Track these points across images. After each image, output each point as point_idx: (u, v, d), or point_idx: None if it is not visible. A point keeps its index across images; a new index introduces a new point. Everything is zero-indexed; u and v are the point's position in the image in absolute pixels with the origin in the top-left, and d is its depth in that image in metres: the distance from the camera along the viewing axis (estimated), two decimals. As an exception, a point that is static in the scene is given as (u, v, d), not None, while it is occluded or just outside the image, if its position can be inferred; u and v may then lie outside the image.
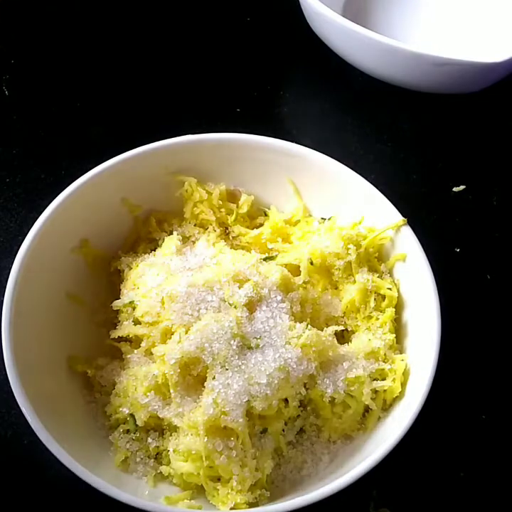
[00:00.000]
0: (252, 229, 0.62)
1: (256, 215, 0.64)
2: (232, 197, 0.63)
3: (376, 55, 0.73)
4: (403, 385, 0.53)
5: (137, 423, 0.52)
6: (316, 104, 0.80)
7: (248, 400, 0.49)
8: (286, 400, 0.52)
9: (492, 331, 0.65)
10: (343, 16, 0.72)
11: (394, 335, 0.56)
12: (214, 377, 0.50)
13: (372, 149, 0.76)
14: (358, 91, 0.80)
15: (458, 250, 0.69)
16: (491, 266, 0.68)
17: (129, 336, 0.56)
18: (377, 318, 0.57)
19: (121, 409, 0.53)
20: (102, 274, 0.61)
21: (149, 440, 0.53)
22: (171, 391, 0.51)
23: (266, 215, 0.63)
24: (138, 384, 0.52)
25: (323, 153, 0.60)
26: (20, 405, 0.48)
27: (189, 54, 0.82)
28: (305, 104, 0.80)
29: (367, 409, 0.54)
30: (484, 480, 0.58)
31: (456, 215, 0.72)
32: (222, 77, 0.81)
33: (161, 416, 0.52)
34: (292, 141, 0.60)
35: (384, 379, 0.54)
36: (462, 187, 0.73)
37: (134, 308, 0.56)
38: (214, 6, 0.87)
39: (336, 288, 0.59)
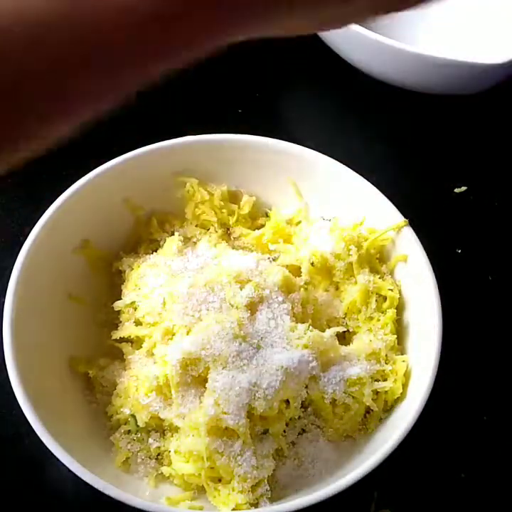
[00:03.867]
0: (254, 230, 0.62)
1: (257, 216, 0.64)
2: (233, 198, 0.63)
3: (377, 56, 0.73)
4: (404, 386, 0.53)
5: (138, 424, 0.52)
6: (317, 105, 0.80)
7: (249, 401, 0.49)
8: (287, 401, 0.52)
9: (494, 332, 0.65)
10: (345, 17, 0.72)
11: (395, 336, 0.56)
12: (215, 378, 0.50)
13: (374, 150, 0.76)
14: (359, 92, 0.80)
15: (459, 251, 0.69)
16: (493, 267, 0.68)
17: (130, 336, 0.56)
18: (379, 319, 0.57)
19: (122, 409, 0.53)
20: (104, 275, 0.61)
21: (150, 441, 0.53)
22: (173, 392, 0.51)
23: (267, 216, 0.63)
24: (139, 384, 0.52)
25: (325, 154, 0.60)
26: (21, 405, 0.48)
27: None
28: (306, 105, 0.80)
29: (368, 411, 0.54)
30: (485, 481, 0.58)
31: (458, 216, 0.72)
32: (224, 78, 0.81)
33: (162, 417, 0.52)
34: (294, 142, 0.60)
35: (385, 380, 0.54)
36: (464, 188, 0.73)
37: (135, 309, 0.56)
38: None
39: (337, 289, 0.59)
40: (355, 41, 0.73)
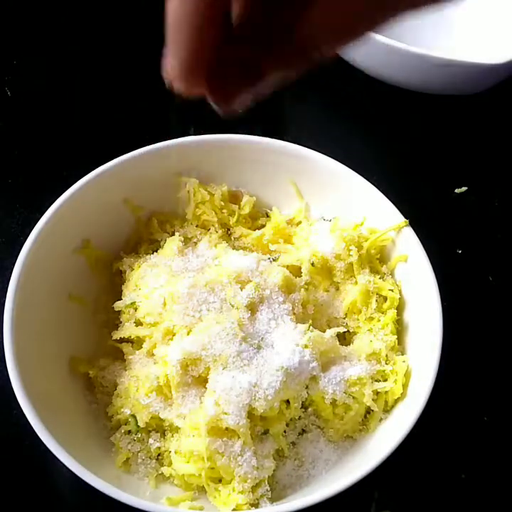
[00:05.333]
0: (254, 230, 0.62)
1: (258, 216, 0.64)
2: (234, 198, 0.63)
3: (378, 56, 0.73)
4: (405, 386, 0.53)
5: (139, 424, 0.52)
6: (317, 105, 0.80)
7: (250, 402, 0.49)
8: (287, 402, 0.52)
9: (494, 332, 0.64)
10: (345, 17, 0.72)
11: (395, 336, 0.56)
12: (216, 379, 0.50)
13: (374, 151, 0.76)
14: (360, 92, 0.80)
15: (460, 252, 0.69)
16: (493, 267, 0.68)
17: (130, 337, 0.56)
18: (379, 320, 0.57)
19: (122, 410, 0.53)
20: (104, 275, 0.61)
21: (151, 441, 0.53)
22: (173, 392, 0.51)
23: (268, 216, 0.63)
24: (139, 385, 0.52)
25: (325, 154, 0.60)
26: (21, 406, 0.48)
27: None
28: (306, 105, 0.80)
29: (368, 411, 0.54)
30: (486, 482, 0.57)
31: (458, 216, 0.72)
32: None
33: (162, 417, 0.52)
34: (294, 143, 0.60)
35: (385, 380, 0.54)
36: (464, 188, 0.73)
37: (135, 309, 0.56)
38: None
39: (338, 289, 0.59)
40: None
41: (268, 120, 0.77)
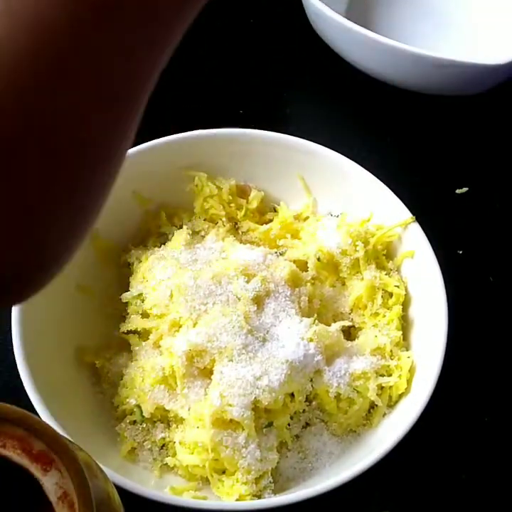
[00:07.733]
0: (262, 224, 0.63)
1: (265, 210, 0.64)
2: (242, 192, 0.63)
3: (378, 56, 0.72)
4: (409, 382, 0.54)
5: (144, 414, 0.53)
6: (318, 105, 0.80)
7: (254, 394, 0.50)
8: (292, 395, 0.52)
9: (495, 333, 0.64)
10: (347, 17, 0.72)
11: (400, 332, 0.56)
12: (221, 371, 0.50)
13: (374, 151, 0.75)
14: (361, 93, 0.80)
15: (461, 252, 0.69)
16: (494, 268, 0.68)
17: (137, 329, 0.56)
18: (384, 316, 0.57)
19: (128, 400, 0.54)
20: (112, 267, 0.61)
21: (156, 431, 0.53)
22: (178, 383, 0.51)
23: (275, 211, 0.64)
24: (145, 375, 0.53)
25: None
26: (29, 395, 0.48)
27: (192, 55, 0.82)
28: (307, 105, 0.80)
29: (372, 406, 0.54)
30: (486, 483, 0.57)
31: (459, 217, 0.71)
32: (225, 78, 0.81)
33: (167, 408, 0.52)
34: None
35: (390, 375, 0.54)
36: (465, 189, 0.73)
37: (142, 301, 0.56)
38: (217, 8, 0.87)
39: (344, 284, 0.59)
40: (355, 41, 0.73)
41: (270, 121, 0.77)
